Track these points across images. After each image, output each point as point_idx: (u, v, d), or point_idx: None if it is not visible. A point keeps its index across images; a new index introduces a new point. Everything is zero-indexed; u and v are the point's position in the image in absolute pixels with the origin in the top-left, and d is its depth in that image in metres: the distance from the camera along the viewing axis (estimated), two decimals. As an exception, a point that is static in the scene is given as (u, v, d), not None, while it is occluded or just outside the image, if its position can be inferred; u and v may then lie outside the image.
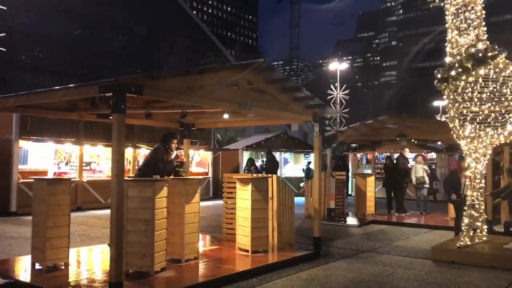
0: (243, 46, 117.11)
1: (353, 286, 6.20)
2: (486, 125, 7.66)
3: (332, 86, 27.41)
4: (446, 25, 8.11)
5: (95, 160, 15.56)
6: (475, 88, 7.67)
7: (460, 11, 7.89)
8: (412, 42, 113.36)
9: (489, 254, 7.64)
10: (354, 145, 21.75)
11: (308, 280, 6.41)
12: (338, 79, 27.18)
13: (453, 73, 7.73)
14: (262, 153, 19.82)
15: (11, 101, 6.64)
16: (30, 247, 6.53)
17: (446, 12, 8.10)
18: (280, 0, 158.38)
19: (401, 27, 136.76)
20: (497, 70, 7.57)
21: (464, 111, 7.78)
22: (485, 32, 7.84)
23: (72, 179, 8.94)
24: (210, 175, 19.00)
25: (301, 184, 20.46)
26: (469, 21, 7.84)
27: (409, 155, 14.86)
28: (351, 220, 12.61)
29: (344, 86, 27.06)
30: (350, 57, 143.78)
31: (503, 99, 7.53)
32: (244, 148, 20.81)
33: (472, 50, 7.61)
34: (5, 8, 14.68)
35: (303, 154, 23.72)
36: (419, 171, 13.60)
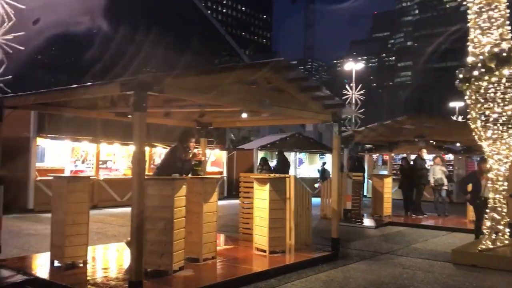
0: (257, 46, 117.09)
1: (373, 289, 6.11)
2: (509, 126, 7.53)
3: (347, 86, 27.27)
4: (469, 24, 7.96)
5: (111, 158, 15.63)
6: (498, 88, 7.54)
7: (483, 9, 7.74)
8: (427, 42, 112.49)
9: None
10: (370, 146, 21.55)
11: (327, 282, 6.34)
12: (354, 79, 26.99)
13: (475, 73, 7.59)
14: (276, 153, 19.70)
15: (31, 98, 6.69)
16: (49, 244, 6.54)
17: (469, 11, 7.95)
18: (295, 0, 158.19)
19: (417, 27, 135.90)
20: (521, 70, 7.42)
21: (487, 112, 7.65)
22: (509, 31, 7.68)
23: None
24: (224, 174, 19.00)
25: (316, 185, 20.28)
26: (492, 20, 7.68)
27: (427, 156, 14.66)
28: (368, 222, 12.48)
29: (360, 86, 26.89)
30: (365, 57, 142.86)
31: (527, 99, 7.38)
32: (259, 148, 20.69)
33: (496, 49, 7.47)
34: (24, 7, 14.75)
35: (318, 154, 23.50)
36: (437, 172, 13.41)
